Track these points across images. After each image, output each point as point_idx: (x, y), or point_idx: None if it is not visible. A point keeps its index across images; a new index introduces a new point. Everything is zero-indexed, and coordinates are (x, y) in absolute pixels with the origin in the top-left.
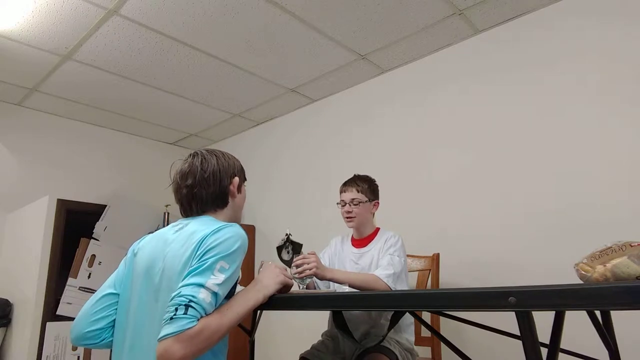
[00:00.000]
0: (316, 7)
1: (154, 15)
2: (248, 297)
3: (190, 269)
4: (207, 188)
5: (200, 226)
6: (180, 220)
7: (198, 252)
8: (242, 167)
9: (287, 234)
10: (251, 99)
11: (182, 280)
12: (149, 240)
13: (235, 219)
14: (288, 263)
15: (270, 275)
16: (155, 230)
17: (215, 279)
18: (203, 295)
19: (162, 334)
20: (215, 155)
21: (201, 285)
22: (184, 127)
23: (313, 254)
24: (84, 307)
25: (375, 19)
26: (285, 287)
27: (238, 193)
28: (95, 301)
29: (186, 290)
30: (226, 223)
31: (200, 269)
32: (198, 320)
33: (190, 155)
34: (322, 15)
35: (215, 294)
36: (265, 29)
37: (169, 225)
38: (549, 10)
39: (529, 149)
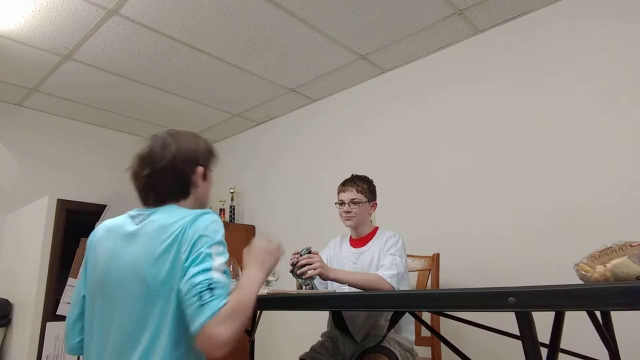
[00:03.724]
0: (316, 7)
1: (154, 15)
2: (256, 275)
3: (186, 263)
4: (166, 179)
5: (170, 218)
6: (138, 210)
7: (184, 249)
8: (209, 151)
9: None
10: (251, 99)
11: (183, 276)
12: (104, 236)
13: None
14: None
15: (266, 251)
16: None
17: (219, 261)
18: (217, 275)
19: (199, 321)
20: (178, 140)
21: (209, 270)
22: (184, 127)
23: (316, 254)
24: (67, 319)
25: (375, 19)
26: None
27: (203, 181)
28: (73, 309)
29: (199, 278)
30: (197, 211)
31: (199, 258)
32: (226, 297)
33: (151, 138)
34: (322, 15)
35: (225, 272)
36: (265, 29)
37: (125, 216)
38: (549, 10)
39: (528, 149)
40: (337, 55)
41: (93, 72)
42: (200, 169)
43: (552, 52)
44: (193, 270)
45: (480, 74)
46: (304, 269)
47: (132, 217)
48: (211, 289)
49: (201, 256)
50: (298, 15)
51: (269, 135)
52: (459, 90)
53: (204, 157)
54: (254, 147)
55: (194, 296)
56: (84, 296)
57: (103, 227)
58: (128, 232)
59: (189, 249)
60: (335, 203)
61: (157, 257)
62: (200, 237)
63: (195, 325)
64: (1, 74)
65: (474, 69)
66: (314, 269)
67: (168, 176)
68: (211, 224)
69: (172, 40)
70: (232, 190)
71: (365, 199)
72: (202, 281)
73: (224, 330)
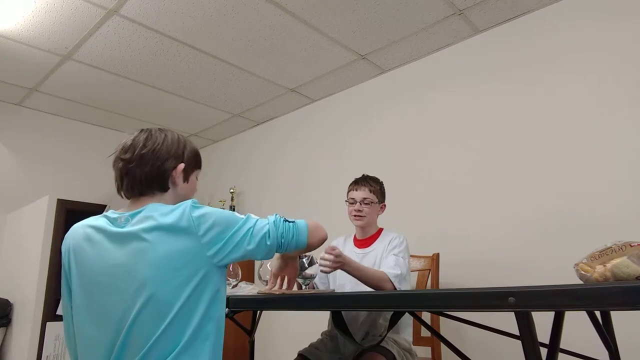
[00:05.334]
0: (316, 7)
1: (154, 15)
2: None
3: (224, 246)
4: (143, 165)
5: (161, 215)
6: (115, 213)
7: (207, 239)
8: (196, 154)
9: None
10: (251, 99)
11: (230, 252)
12: (84, 240)
13: None
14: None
15: None
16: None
17: (245, 217)
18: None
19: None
20: (165, 135)
21: (257, 220)
22: (184, 127)
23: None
24: (65, 331)
25: (375, 19)
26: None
27: (184, 182)
28: (66, 320)
29: (265, 227)
30: (180, 204)
31: (236, 236)
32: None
33: (140, 130)
34: (322, 15)
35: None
36: (265, 29)
37: (102, 217)
38: (549, 10)
39: (528, 148)
40: (337, 55)
41: (93, 72)
42: (181, 165)
43: (552, 52)
44: (234, 241)
45: (480, 74)
46: (326, 257)
47: (112, 220)
48: (285, 219)
49: (235, 232)
50: (298, 16)
51: (269, 135)
52: (459, 90)
53: (189, 157)
54: (254, 147)
55: (278, 227)
56: (71, 307)
57: (79, 232)
58: (114, 232)
59: (204, 232)
60: (346, 201)
61: (170, 256)
62: (214, 222)
63: (302, 233)
64: (1, 74)
65: (474, 69)
66: (338, 262)
67: (145, 164)
68: (213, 209)
69: (172, 40)
70: (232, 190)
71: (377, 200)
72: (262, 227)
73: (319, 228)
